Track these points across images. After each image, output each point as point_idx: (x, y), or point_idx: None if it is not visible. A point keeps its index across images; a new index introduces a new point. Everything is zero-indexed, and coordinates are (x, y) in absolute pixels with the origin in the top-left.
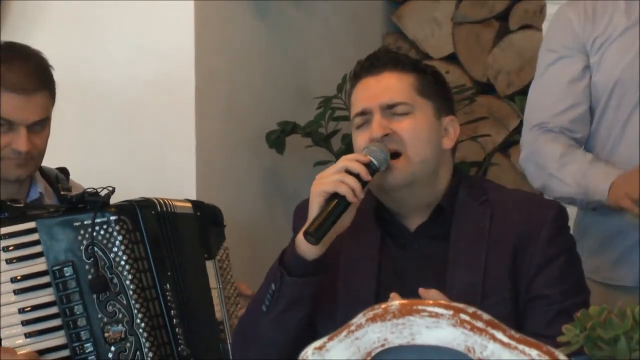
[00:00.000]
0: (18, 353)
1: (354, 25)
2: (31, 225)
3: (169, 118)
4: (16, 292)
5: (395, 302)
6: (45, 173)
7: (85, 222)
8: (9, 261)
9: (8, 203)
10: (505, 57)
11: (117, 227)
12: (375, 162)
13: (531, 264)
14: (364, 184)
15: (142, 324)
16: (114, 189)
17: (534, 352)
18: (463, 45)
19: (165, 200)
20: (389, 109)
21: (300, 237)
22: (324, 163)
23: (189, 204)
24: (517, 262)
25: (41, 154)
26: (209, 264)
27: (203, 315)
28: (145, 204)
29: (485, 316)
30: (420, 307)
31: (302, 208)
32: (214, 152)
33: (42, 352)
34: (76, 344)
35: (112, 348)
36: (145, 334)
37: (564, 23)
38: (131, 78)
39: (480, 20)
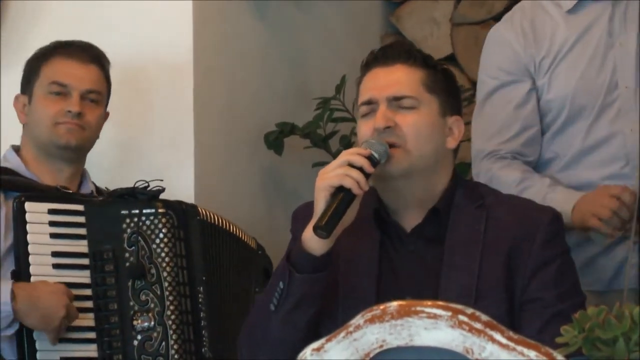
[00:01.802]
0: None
1: (353, 26)
2: (79, 207)
3: (167, 118)
4: (54, 266)
5: (394, 303)
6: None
7: (132, 212)
8: (53, 235)
9: (58, 188)
10: None
11: (164, 220)
12: (375, 154)
13: (526, 267)
14: (367, 176)
15: (172, 317)
16: (163, 188)
17: (532, 353)
18: (462, 46)
19: (210, 212)
20: (395, 101)
21: (307, 234)
22: (323, 164)
23: (254, 242)
24: (511, 264)
25: (92, 129)
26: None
27: (232, 332)
28: (192, 209)
29: (484, 317)
30: (418, 308)
31: (301, 211)
32: (212, 153)
33: (69, 330)
34: (103, 327)
35: (139, 336)
36: (173, 326)
37: (502, 46)
38: (130, 78)
39: (479, 21)
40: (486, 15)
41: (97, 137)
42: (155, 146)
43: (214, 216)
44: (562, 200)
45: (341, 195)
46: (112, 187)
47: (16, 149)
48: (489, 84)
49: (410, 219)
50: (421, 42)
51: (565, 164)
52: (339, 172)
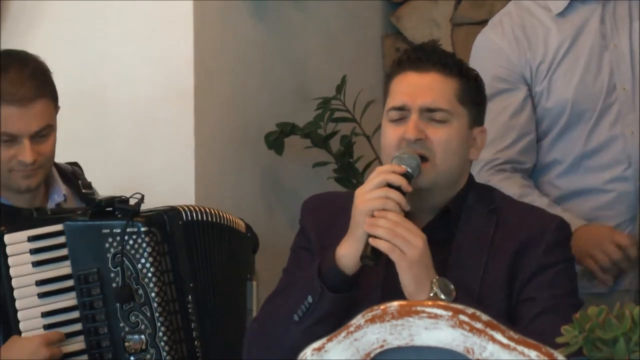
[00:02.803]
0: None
1: (353, 26)
2: (58, 227)
3: (168, 119)
4: (40, 295)
5: (394, 303)
6: (61, 171)
7: (115, 230)
8: (35, 264)
9: (34, 212)
10: None
11: (147, 239)
12: (409, 170)
13: (527, 270)
14: (404, 194)
15: (165, 337)
16: (142, 196)
17: (533, 353)
18: (462, 47)
19: (192, 208)
20: (428, 112)
21: (341, 251)
22: (323, 164)
23: (243, 224)
24: (514, 268)
25: (49, 160)
26: (250, 285)
27: (231, 331)
28: (173, 214)
29: (485, 317)
30: (419, 308)
31: (312, 201)
32: (212, 153)
33: (60, 358)
34: (95, 351)
35: (132, 358)
36: (166, 348)
37: (495, 53)
38: (130, 78)
39: (479, 21)
40: (486, 15)
41: (54, 155)
42: (155, 146)
43: (198, 212)
44: None
45: None
46: (111, 188)
47: None
48: None
49: (422, 219)
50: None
51: (566, 168)
52: (378, 194)
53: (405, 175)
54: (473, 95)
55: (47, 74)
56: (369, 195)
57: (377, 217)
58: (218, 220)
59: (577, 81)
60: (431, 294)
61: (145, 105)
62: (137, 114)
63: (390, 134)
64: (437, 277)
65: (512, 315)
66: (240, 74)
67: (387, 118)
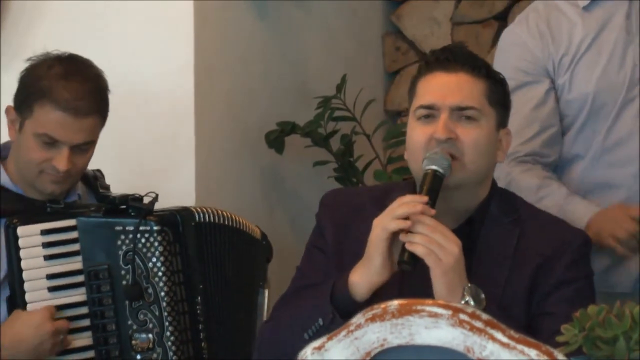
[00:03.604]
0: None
1: (353, 25)
2: (71, 222)
3: (168, 118)
4: (50, 289)
5: (395, 302)
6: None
7: (127, 228)
8: (47, 257)
9: (47, 205)
10: None
11: (159, 238)
12: (441, 170)
13: (547, 283)
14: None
15: (172, 337)
16: (156, 196)
17: (533, 352)
18: None
19: (205, 209)
20: (458, 111)
21: (354, 278)
22: (323, 163)
23: (258, 231)
24: (535, 282)
25: (79, 173)
26: (262, 293)
27: (238, 336)
28: (186, 214)
29: (485, 316)
30: (419, 307)
31: (331, 196)
32: (213, 152)
33: (66, 352)
34: (102, 348)
35: (138, 356)
36: (173, 348)
37: (518, 46)
38: (130, 77)
39: (480, 20)
40: (487, 14)
41: (86, 168)
42: (155, 146)
43: (211, 213)
44: (578, 213)
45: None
46: (111, 187)
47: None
48: None
49: (444, 222)
50: (422, 42)
51: (588, 163)
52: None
53: (436, 175)
54: (500, 96)
55: (106, 92)
56: (382, 224)
57: (414, 222)
58: (231, 224)
59: (599, 75)
60: (462, 301)
61: (145, 105)
62: (137, 113)
63: (419, 133)
64: (469, 284)
65: (530, 327)
66: (241, 73)
67: (414, 117)
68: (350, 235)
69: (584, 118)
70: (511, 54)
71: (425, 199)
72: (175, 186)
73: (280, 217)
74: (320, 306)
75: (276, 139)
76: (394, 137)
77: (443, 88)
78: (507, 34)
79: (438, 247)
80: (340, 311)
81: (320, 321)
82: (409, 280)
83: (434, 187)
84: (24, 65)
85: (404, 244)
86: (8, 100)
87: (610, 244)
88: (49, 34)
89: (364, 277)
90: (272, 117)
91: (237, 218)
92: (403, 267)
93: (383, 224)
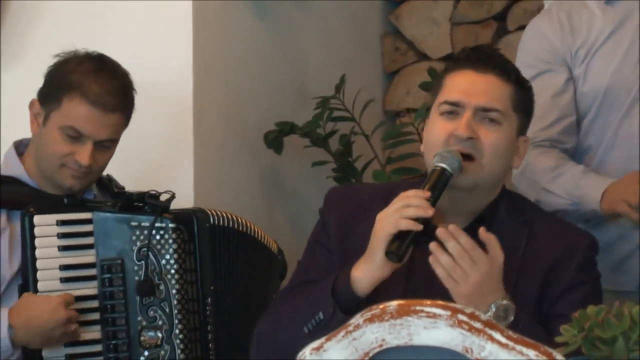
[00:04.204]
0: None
1: (352, 25)
2: (87, 215)
3: (167, 118)
4: (62, 280)
5: (393, 302)
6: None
7: (143, 224)
8: (61, 248)
9: (65, 198)
10: None
11: (174, 236)
12: (449, 170)
13: (557, 287)
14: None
15: (181, 336)
16: (173, 194)
17: (531, 353)
18: (461, 46)
19: (220, 213)
20: (483, 112)
21: (356, 274)
22: (322, 163)
23: (275, 246)
24: (544, 284)
25: (99, 171)
26: None
27: (246, 340)
28: (202, 215)
29: (483, 317)
30: (418, 308)
31: (337, 193)
32: (212, 152)
33: (75, 344)
34: (110, 342)
35: (146, 353)
36: (182, 346)
37: (539, 37)
38: None
39: (479, 20)
40: (486, 14)
41: (105, 167)
42: (155, 146)
43: (225, 218)
44: (593, 186)
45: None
46: None
47: (17, 145)
48: (526, 73)
49: (453, 222)
50: (421, 42)
51: (599, 156)
52: (396, 216)
53: (444, 173)
54: (525, 104)
55: (132, 92)
56: (389, 219)
57: (447, 237)
58: (245, 231)
59: (614, 68)
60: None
61: (144, 105)
62: (136, 113)
63: (440, 129)
64: (503, 301)
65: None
66: (240, 73)
67: (437, 111)
68: (355, 232)
69: (595, 111)
70: (533, 44)
71: (428, 194)
72: (175, 186)
73: (279, 217)
74: (321, 300)
75: (275, 139)
76: (393, 138)
77: (470, 86)
78: (530, 26)
79: (460, 274)
80: (342, 306)
81: (321, 315)
82: (414, 276)
83: (439, 185)
84: (24, 65)
85: (395, 235)
86: (8, 100)
87: (623, 210)
88: (49, 34)
89: (365, 271)
90: (271, 117)
91: (253, 227)
92: (389, 257)
93: (392, 221)
